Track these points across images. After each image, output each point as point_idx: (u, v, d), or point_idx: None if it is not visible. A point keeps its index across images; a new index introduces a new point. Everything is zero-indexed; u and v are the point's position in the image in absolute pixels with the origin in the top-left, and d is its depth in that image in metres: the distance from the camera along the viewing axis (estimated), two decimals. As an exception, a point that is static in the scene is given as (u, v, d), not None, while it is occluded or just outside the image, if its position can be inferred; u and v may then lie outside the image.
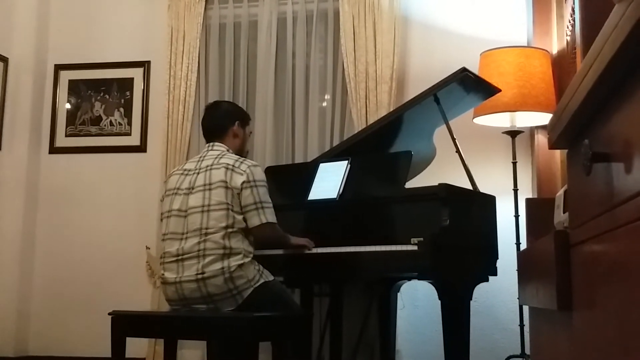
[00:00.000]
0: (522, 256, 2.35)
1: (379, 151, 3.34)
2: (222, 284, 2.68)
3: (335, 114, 4.06)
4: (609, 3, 0.98)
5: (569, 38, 3.18)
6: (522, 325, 3.40)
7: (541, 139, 3.54)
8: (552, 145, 1.45)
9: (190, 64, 4.19)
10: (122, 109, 4.39)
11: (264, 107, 4.10)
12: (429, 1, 4.07)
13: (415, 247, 2.69)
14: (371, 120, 3.73)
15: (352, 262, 2.88)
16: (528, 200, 2.72)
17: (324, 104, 4.14)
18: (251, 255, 2.77)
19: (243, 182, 2.76)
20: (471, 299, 2.93)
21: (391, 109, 3.72)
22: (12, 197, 4.26)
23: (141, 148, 4.33)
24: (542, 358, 1.96)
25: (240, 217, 2.76)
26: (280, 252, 2.99)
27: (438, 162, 3.40)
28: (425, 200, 2.86)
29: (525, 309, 3.22)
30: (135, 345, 3.42)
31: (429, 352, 3.68)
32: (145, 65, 4.37)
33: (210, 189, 2.77)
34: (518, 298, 2.74)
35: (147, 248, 4.12)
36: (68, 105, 4.46)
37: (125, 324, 2.75)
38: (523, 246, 3.25)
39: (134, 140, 4.34)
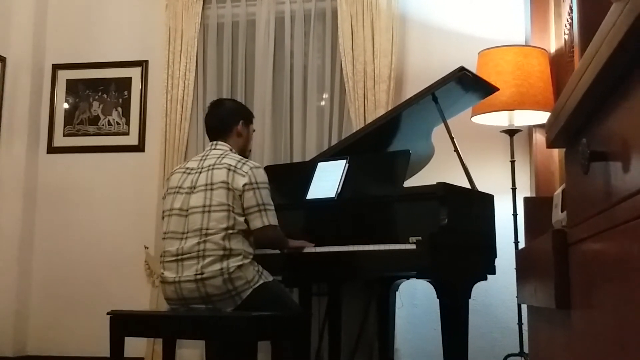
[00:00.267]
0: (520, 255, 2.35)
1: (377, 150, 3.34)
2: (221, 285, 2.68)
3: (333, 114, 4.06)
4: (607, 2, 0.98)
5: (566, 37, 3.18)
6: (520, 324, 3.41)
7: (539, 138, 3.54)
8: (550, 144, 1.45)
9: (188, 63, 4.19)
10: (120, 109, 4.39)
11: (262, 107, 4.10)
12: (427, 0, 4.07)
13: (413, 246, 2.69)
14: (369, 120, 3.73)
15: (351, 261, 2.88)
16: (526, 199, 2.72)
17: (322, 103, 4.14)
18: (251, 257, 2.77)
19: (245, 184, 2.75)
20: (470, 298, 2.94)
21: (389, 108, 3.72)
22: (10, 197, 4.26)
23: (139, 148, 4.32)
24: (540, 356, 1.96)
25: (241, 219, 2.75)
26: (278, 251, 2.99)
27: (436, 161, 3.40)
28: (424, 199, 2.87)
29: (524, 307, 3.22)
30: (134, 344, 3.43)
31: (427, 351, 3.68)
32: (143, 64, 4.37)
33: (211, 189, 2.76)
34: (516, 297, 2.74)
35: (146, 247, 4.12)
36: (66, 105, 4.46)
37: (124, 324, 2.75)
38: (521, 245, 3.25)
39: (132, 139, 4.34)
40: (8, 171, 4.28)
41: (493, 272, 3.04)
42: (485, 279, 3.02)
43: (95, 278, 4.21)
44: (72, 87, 4.46)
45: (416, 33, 4.05)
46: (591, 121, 1.16)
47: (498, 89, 3.23)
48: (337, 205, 3.08)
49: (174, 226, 2.80)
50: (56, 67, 4.47)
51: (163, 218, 2.90)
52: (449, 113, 3.18)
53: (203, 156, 2.92)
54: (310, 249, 2.96)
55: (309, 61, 4.15)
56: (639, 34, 0.82)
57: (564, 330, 1.45)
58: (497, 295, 3.68)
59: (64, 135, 4.43)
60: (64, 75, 4.47)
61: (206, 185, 2.78)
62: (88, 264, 4.24)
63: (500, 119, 3.56)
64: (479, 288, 3.03)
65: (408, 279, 3.28)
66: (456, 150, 3.06)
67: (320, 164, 3.26)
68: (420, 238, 2.69)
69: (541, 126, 3.49)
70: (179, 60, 4.20)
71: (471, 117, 3.55)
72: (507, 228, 3.41)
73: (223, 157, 2.84)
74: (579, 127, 1.25)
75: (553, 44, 3.53)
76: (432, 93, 3.07)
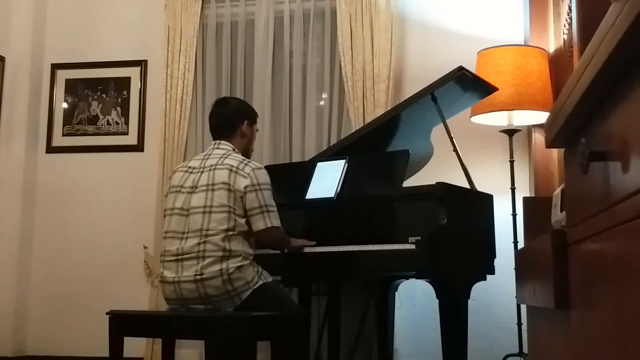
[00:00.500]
0: (519, 255, 2.35)
1: (376, 150, 3.34)
2: (221, 286, 2.67)
3: (332, 113, 4.06)
4: (606, 2, 0.98)
5: (566, 37, 3.18)
6: (519, 324, 3.41)
7: (538, 138, 3.54)
8: (550, 144, 1.45)
9: (188, 63, 4.19)
10: (119, 108, 4.38)
11: (261, 106, 4.09)
12: (426, 0, 4.07)
13: (412, 246, 2.69)
14: (368, 119, 3.73)
15: (350, 261, 2.88)
16: (525, 199, 2.73)
17: (322, 102, 4.14)
18: (251, 258, 2.76)
19: (247, 186, 2.74)
20: (469, 298, 2.93)
21: (388, 108, 3.72)
22: (9, 197, 4.26)
23: (138, 147, 4.32)
24: (540, 357, 1.96)
25: (242, 221, 2.75)
26: (278, 251, 2.99)
27: (435, 161, 3.40)
28: (423, 199, 2.87)
29: (523, 307, 3.22)
30: (133, 344, 3.43)
31: (426, 350, 3.68)
32: (142, 64, 4.37)
33: (213, 190, 2.76)
34: (516, 297, 2.75)
35: (145, 247, 4.12)
36: (65, 105, 4.46)
37: (123, 324, 2.75)
38: (520, 245, 3.25)
39: (131, 139, 4.34)
40: (7, 171, 4.28)
41: (492, 272, 3.04)
42: (485, 279, 3.02)
43: (95, 278, 4.21)
44: (71, 86, 4.45)
45: (415, 33, 4.05)
46: (590, 121, 1.16)
47: (497, 89, 3.23)
48: (337, 205, 3.08)
49: (174, 225, 2.80)
50: (55, 67, 4.46)
51: (165, 217, 2.89)
52: (448, 113, 3.18)
53: (206, 155, 2.92)
54: (310, 249, 2.96)
55: (308, 61, 4.15)
56: (638, 33, 0.82)
57: (563, 331, 1.45)
58: (496, 295, 3.68)
59: (63, 135, 4.43)
60: (63, 75, 4.46)
61: (208, 185, 2.77)
62: (87, 264, 4.24)
63: (499, 119, 3.56)
64: (478, 288, 3.03)
65: (407, 279, 3.28)
66: (455, 150, 3.05)
67: (319, 164, 3.26)
68: (419, 238, 2.69)
69: (540, 126, 3.49)
70: (178, 60, 4.20)
71: (470, 117, 3.55)
72: (506, 228, 3.41)
73: (225, 158, 2.84)
74: (578, 127, 1.25)
75: (552, 44, 3.53)
76: (431, 93, 3.07)
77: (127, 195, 4.28)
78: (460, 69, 3.02)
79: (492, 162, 3.79)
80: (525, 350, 3.29)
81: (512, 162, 3.52)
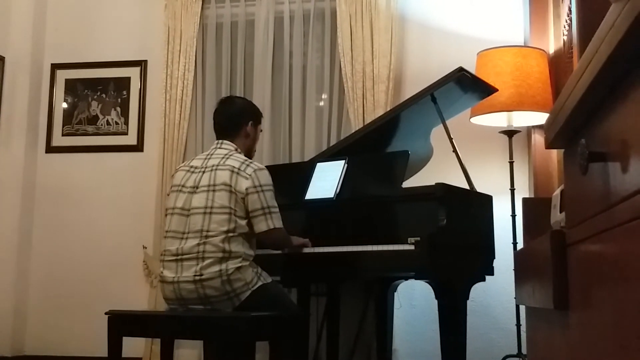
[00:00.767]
0: (518, 256, 2.35)
1: (376, 151, 3.33)
2: (220, 286, 2.67)
3: (332, 114, 4.06)
4: (606, 3, 0.98)
5: (565, 38, 3.18)
6: (518, 325, 3.41)
7: (538, 139, 3.54)
8: (549, 145, 1.45)
9: (187, 63, 4.19)
10: (118, 108, 4.38)
11: (261, 107, 4.03)
12: (426, 1, 4.07)
13: (412, 247, 2.69)
14: (368, 120, 3.73)
15: (349, 261, 2.87)
16: (525, 200, 2.73)
17: (321, 103, 4.14)
18: (251, 259, 2.76)
19: (248, 188, 2.74)
20: (468, 299, 2.93)
21: (388, 109, 3.72)
22: (8, 197, 4.26)
23: (138, 147, 4.32)
24: (538, 357, 1.96)
25: (242, 222, 2.74)
26: (277, 251, 2.99)
27: (435, 161, 3.40)
28: (422, 199, 2.86)
29: (522, 308, 3.22)
30: (132, 344, 3.42)
31: (425, 351, 3.68)
32: (142, 64, 4.37)
33: (214, 190, 2.75)
34: (515, 297, 2.75)
35: (144, 247, 4.12)
36: (65, 105, 4.46)
37: (122, 324, 2.75)
38: (520, 246, 3.26)
39: (130, 139, 4.34)
40: (7, 171, 4.27)
41: (491, 273, 3.04)
42: (484, 279, 3.02)
43: (94, 278, 4.21)
44: (71, 86, 4.45)
45: (415, 33, 4.05)
46: (590, 122, 1.16)
47: (497, 90, 3.23)
48: (336, 205, 3.08)
49: (175, 225, 2.80)
50: (55, 67, 4.46)
51: (166, 215, 2.89)
52: (448, 114, 3.18)
53: (208, 155, 2.91)
54: (309, 249, 2.96)
55: (308, 61, 4.15)
56: (638, 34, 0.82)
57: (562, 331, 1.45)
58: (496, 296, 3.68)
59: (63, 135, 4.43)
60: (62, 75, 4.46)
61: (209, 186, 2.77)
62: (86, 264, 4.24)
63: (499, 120, 3.56)
64: (477, 289, 3.03)
65: (406, 279, 3.28)
66: (455, 151, 3.05)
67: (319, 164, 3.26)
68: (418, 239, 2.68)
69: (540, 127, 3.49)
70: (177, 60, 4.20)
71: (470, 117, 3.55)
72: (506, 229, 3.41)
73: (227, 158, 2.83)
74: (578, 128, 1.25)
75: (552, 45, 3.53)
76: (431, 94, 3.07)
77: (126, 195, 4.28)
78: (460, 69, 3.02)
79: (492, 163, 3.79)
80: (524, 351, 3.29)
81: (511, 163, 3.52)
